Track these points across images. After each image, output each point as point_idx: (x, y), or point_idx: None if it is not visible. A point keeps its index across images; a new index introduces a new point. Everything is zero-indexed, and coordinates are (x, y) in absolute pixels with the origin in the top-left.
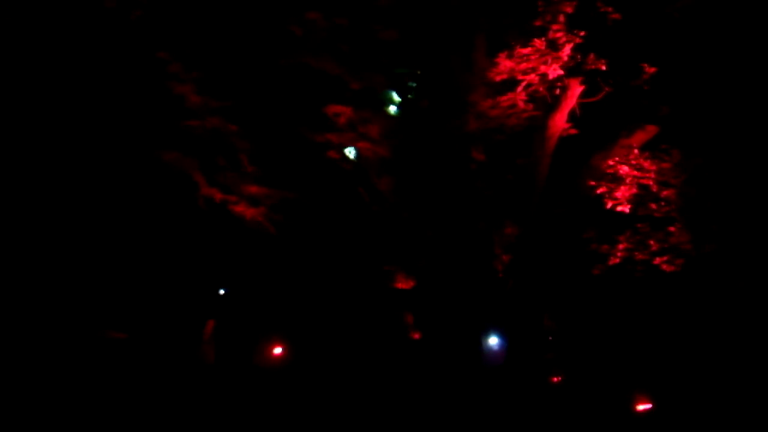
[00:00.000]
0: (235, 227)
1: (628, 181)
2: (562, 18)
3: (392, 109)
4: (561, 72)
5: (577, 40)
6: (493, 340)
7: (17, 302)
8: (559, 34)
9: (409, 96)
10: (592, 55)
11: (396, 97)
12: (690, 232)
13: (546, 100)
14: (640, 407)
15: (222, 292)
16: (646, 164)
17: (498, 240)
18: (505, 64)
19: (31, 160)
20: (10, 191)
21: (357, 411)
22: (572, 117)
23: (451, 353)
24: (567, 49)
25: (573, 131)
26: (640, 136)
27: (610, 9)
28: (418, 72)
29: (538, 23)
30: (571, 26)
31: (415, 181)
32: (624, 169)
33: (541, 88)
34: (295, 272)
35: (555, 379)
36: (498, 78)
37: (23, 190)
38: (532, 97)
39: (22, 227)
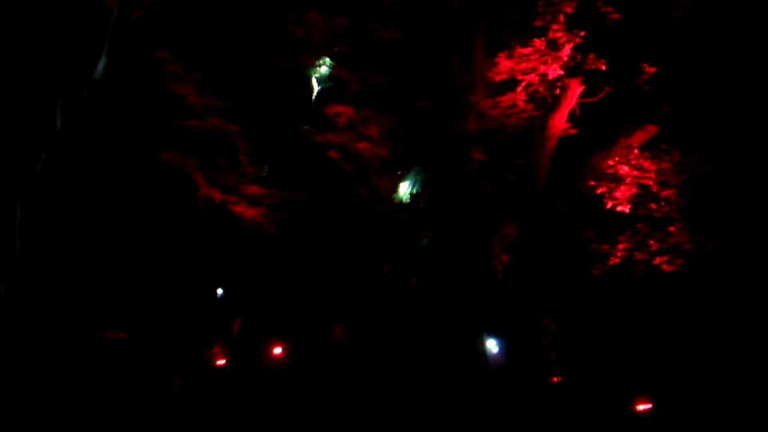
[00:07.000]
0: (235, 227)
1: (628, 181)
2: (562, 18)
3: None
4: (561, 72)
5: (577, 40)
6: (492, 342)
7: (17, 302)
8: (559, 34)
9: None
10: (592, 55)
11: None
12: (690, 232)
13: (546, 100)
14: (640, 407)
15: (220, 292)
16: (646, 164)
17: (498, 240)
18: (505, 64)
19: (33, 160)
20: (11, 191)
21: (358, 411)
22: (572, 117)
23: (451, 353)
24: (567, 49)
25: (573, 131)
26: (640, 136)
27: (610, 9)
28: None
29: (538, 23)
30: (571, 26)
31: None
32: (624, 169)
33: (541, 88)
34: (296, 272)
35: (555, 379)
36: (498, 78)
37: (25, 190)
38: (532, 97)
39: (23, 227)
